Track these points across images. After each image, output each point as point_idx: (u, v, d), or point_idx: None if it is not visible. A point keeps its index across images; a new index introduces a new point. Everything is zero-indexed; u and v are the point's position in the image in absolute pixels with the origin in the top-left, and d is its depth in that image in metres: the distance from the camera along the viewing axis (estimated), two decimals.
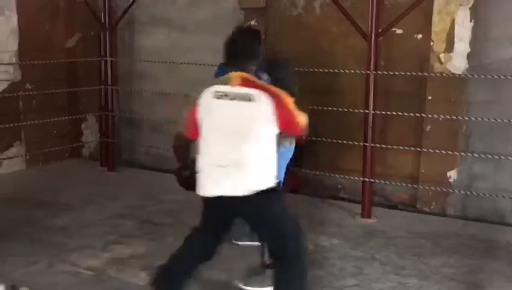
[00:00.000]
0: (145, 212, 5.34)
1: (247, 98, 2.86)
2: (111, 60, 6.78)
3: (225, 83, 2.93)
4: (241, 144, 2.89)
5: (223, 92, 2.89)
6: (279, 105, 2.89)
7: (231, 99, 2.87)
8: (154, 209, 5.45)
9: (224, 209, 3.04)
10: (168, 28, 6.99)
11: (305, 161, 5.59)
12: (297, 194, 5.80)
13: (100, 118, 7.06)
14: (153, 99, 7.13)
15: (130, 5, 6.58)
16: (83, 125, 7.61)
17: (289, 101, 2.93)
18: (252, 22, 6.33)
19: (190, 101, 3.08)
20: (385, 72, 4.94)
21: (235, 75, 2.94)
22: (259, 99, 2.86)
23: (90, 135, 7.64)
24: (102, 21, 6.68)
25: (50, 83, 6.82)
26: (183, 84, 6.84)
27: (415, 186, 5.48)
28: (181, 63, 6.49)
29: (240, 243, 4.46)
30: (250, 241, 4.43)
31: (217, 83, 2.97)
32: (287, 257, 2.96)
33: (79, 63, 7.20)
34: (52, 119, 6.76)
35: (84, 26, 7.29)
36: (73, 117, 7.24)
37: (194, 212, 5.20)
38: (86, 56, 7.04)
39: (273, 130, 2.93)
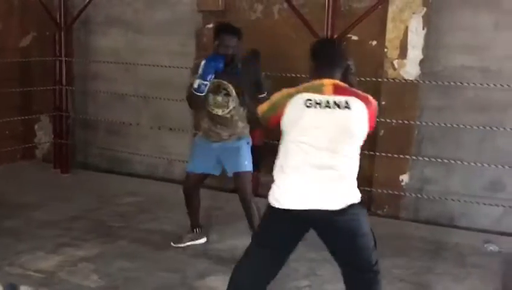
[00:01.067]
0: (98, 214, 5.26)
1: (345, 106, 2.73)
2: (66, 60, 6.66)
3: (317, 90, 2.78)
4: (337, 152, 2.74)
5: (316, 101, 2.74)
6: (371, 110, 2.82)
7: (326, 107, 2.73)
8: (108, 212, 5.37)
9: (307, 225, 2.83)
10: (125, 29, 6.91)
11: (263, 164, 5.61)
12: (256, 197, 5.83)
13: (54, 118, 6.92)
14: (109, 100, 7.05)
15: (86, 5, 6.49)
16: (36, 126, 7.45)
17: (375, 104, 2.87)
18: (210, 25, 6.36)
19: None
20: None
21: (328, 82, 2.81)
22: (356, 106, 2.75)
23: (43, 136, 7.49)
24: (58, 20, 6.56)
25: (2, 83, 6.63)
26: (140, 85, 6.81)
27: (369, 189, 5.57)
28: (137, 64, 6.45)
29: (181, 245, 4.46)
30: (192, 240, 4.47)
31: (304, 91, 2.79)
32: (372, 270, 2.82)
33: (33, 62, 7.05)
34: (4, 120, 6.58)
35: (39, 25, 7.15)
36: (27, 117, 7.08)
37: (148, 215, 5.26)
38: (41, 56, 6.89)
39: (363, 136, 2.83)
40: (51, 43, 6.70)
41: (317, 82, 2.82)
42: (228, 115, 4.07)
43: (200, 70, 3.85)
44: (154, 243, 4.60)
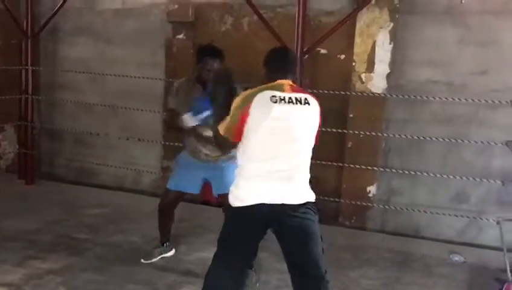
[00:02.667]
0: (63, 226, 5.15)
1: (305, 102, 2.88)
2: (32, 69, 6.56)
3: (278, 88, 2.88)
4: (298, 148, 2.89)
5: (280, 97, 2.84)
6: (320, 115, 2.97)
7: (289, 102, 2.84)
8: (74, 223, 5.27)
9: (266, 219, 2.91)
10: (94, 39, 6.86)
11: None
12: (211, 206, 5.84)
13: (19, 128, 6.79)
14: (76, 111, 6.97)
15: (54, 14, 6.41)
16: (0, 136, 7.29)
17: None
18: (181, 36, 6.37)
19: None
20: (310, 90, 5.04)
21: (285, 82, 2.94)
22: (314, 104, 2.92)
23: (8, 146, 7.32)
24: (25, 29, 6.46)
25: None
26: (108, 95, 6.75)
27: (337, 200, 5.63)
28: (106, 74, 6.40)
29: (152, 260, 4.42)
30: (161, 254, 4.43)
31: (265, 89, 2.88)
32: (320, 276, 2.88)
33: None
34: None
35: (5, 33, 7.00)
36: None
37: (115, 227, 5.20)
38: (6, 64, 6.75)
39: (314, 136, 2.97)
40: (17, 51, 6.59)
41: (275, 82, 2.94)
42: None
43: (200, 119, 3.82)
44: (123, 255, 4.54)
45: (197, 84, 3.99)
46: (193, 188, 4.19)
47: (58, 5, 6.31)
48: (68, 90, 7.01)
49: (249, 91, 2.93)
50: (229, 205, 2.97)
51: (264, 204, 2.86)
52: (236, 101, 2.92)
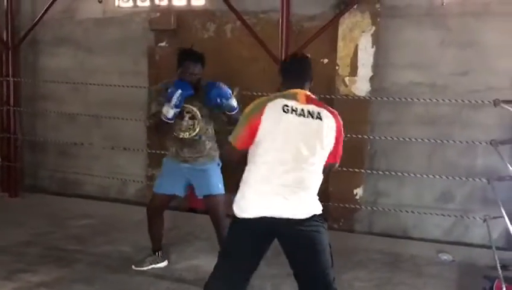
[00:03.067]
0: (52, 238, 5.10)
1: (317, 116, 2.81)
2: (14, 81, 6.48)
3: (292, 98, 2.83)
4: (307, 162, 2.79)
5: (292, 107, 2.79)
6: (339, 125, 2.89)
7: (300, 115, 2.79)
8: (62, 235, 5.22)
9: (270, 232, 2.84)
10: (74, 49, 6.81)
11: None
12: (197, 213, 5.87)
13: (1, 140, 6.69)
14: (59, 121, 6.90)
15: (34, 25, 6.36)
16: None
17: (341, 123, 2.92)
18: (163, 44, 6.36)
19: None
20: None
21: (300, 92, 2.88)
22: (328, 118, 2.83)
23: None
24: (5, 40, 6.39)
25: None
26: (91, 105, 6.70)
27: (325, 203, 5.64)
28: (88, 84, 6.34)
29: (143, 268, 4.39)
30: (153, 264, 4.40)
31: (279, 97, 2.84)
32: (328, 283, 2.84)
33: None
34: None
35: None
36: None
37: (103, 237, 5.15)
38: None
39: (330, 150, 2.89)
40: None
41: (290, 91, 2.88)
42: (196, 137, 4.04)
43: (175, 100, 3.78)
44: (113, 265, 4.50)
45: None
46: (177, 189, 4.22)
47: (38, 16, 6.27)
48: (50, 101, 6.94)
49: (262, 98, 2.89)
50: (233, 215, 2.90)
51: (268, 217, 2.78)
52: (248, 107, 2.89)
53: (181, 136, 4.03)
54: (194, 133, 4.02)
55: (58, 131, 6.89)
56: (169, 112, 3.82)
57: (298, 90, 2.88)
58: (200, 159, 4.08)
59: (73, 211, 6.01)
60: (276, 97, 2.84)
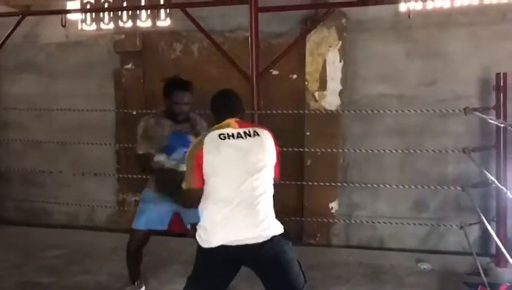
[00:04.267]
0: (24, 271, 4.90)
1: (254, 134, 2.93)
2: None
3: (225, 127, 2.95)
4: (257, 182, 2.87)
5: (228, 134, 2.90)
6: (275, 141, 3.00)
7: (238, 137, 2.90)
8: (33, 267, 5.02)
9: (235, 259, 2.89)
10: (37, 74, 6.65)
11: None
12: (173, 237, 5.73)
13: None
14: (23, 149, 6.70)
15: None
16: None
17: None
18: (129, 66, 6.27)
19: None
20: (268, 111, 5.08)
21: (231, 120, 2.99)
22: (263, 134, 2.96)
23: None
24: None
25: None
26: (56, 131, 6.54)
27: (300, 219, 5.63)
28: (52, 110, 6.17)
29: None
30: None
31: (213, 130, 2.94)
32: None
33: None
34: None
35: None
36: None
37: (78, 267, 4.99)
38: None
39: (273, 166, 2.97)
40: None
41: (222, 123, 2.99)
42: None
43: (175, 157, 3.69)
44: None
45: (166, 119, 3.87)
46: (162, 224, 4.02)
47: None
48: (13, 128, 6.75)
49: (199, 136, 2.98)
50: (198, 245, 2.95)
51: (231, 246, 2.84)
52: (190, 148, 2.97)
53: (175, 169, 3.77)
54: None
55: (23, 159, 6.67)
56: (166, 163, 3.71)
57: (228, 120, 2.99)
58: None
59: (43, 241, 5.80)
60: (211, 130, 2.96)
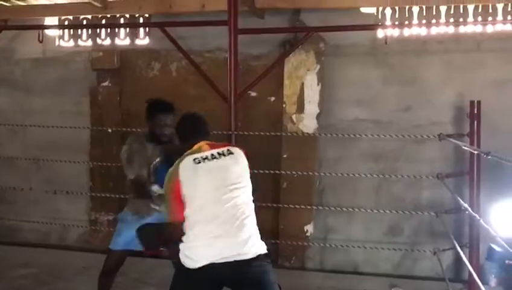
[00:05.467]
0: None
1: (228, 153, 2.95)
2: None
3: (197, 151, 2.95)
4: (239, 200, 2.86)
5: (202, 157, 2.91)
6: (247, 156, 3.02)
7: (213, 158, 2.91)
8: (1, 287, 4.90)
9: (219, 278, 2.84)
10: (12, 90, 6.57)
11: None
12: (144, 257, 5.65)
13: None
14: None
15: None
16: None
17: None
18: (106, 83, 6.23)
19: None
20: (245, 133, 5.07)
21: (201, 143, 3.00)
22: (236, 151, 2.98)
23: None
24: None
25: None
26: (29, 147, 6.43)
27: (275, 242, 5.59)
28: (26, 126, 6.07)
29: None
30: None
31: (186, 156, 2.94)
32: None
33: None
34: None
35: None
36: None
37: (47, 287, 4.87)
38: None
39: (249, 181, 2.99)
40: None
41: (193, 148, 3.00)
42: None
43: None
44: None
45: (149, 142, 3.77)
46: (139, 245, 3.97)
47: None
48: None
49: (171, 169, 2.96)
50: (179, 265, 2.88)
51: (216, 264, 2.79)
52: (165, 180, 2.97)
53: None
54: None
55: None
56: (158, 190, 3.62)
57: (199, 143, 3.01)
58: None
59: (12, 260, 5.66)
60: (183, 157, 2.95)
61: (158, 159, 3.70)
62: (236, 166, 2.93)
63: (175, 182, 2.87)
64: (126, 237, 3.87)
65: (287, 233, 5.65)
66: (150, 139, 3.80)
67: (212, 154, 2.93)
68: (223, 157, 2.93)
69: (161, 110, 3.78)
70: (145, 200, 3.79)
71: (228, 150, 2.97)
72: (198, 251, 2.82)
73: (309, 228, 5.71)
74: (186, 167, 2.90)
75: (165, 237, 3.05)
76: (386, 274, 5.47)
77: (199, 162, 2.89)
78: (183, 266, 2.85)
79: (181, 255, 2.87)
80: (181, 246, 2.89)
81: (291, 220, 5.68)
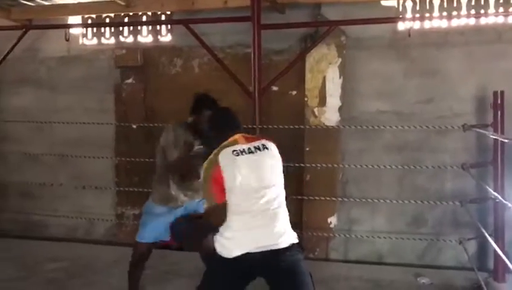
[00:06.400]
0: (25, 285, 4.90)
1: (264, 147, 2.99)
2: None
3: (233, 144, 2.99)
4: (274, 193, 2.92)
5: (240, 150, 2.95)
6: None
7: (250, 152, 2.95)
8: (34, 280, 5.01)
9: (254, 268, 2.91)
10: (38, 88, 6.69)
11: None
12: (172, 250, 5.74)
13: None
14: (21, 162, 6.70)
15: None
16: None
17: None
18: (130, 80, 6.33)
19: None
20: (270, 126, 5.14)
21: (236, 136, 3.04)
22: (272, 146, 3.03)
23: None
24: None
25: None
26: (56, 144, 6.55)
27: (299, 233, 5.66)
28: (52, 123, 6.18)
29: None
30: None
31: (224, 148, 2.98)
32: None
33: None
34: None
35: None
36: None
37: (79, 280, 4.99)
38: None
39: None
40: None
41: (228, 141, 3.03)
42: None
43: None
44: None
45: (190, 131, 3.84)
46: (165, 235, 4.06)
47: (2, 56, 6.10)
48: (11, 141, 6.77)
49: (212, 155, 3.00)
50: (215, 254, 2.93)
51: (252, 253, 2.86)
52: (204, 168, 3.02)
53: (186, 183, 3.87)
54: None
55: (21, 172, 6.68)
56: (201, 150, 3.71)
57: (235, 136, 3.05)
58: (195, 197, 3.97)
59: (41, 255, 5.79)
60: (221, 149, 2.98)
61: (200, 147, 3.77)
62: (272, 160, 3.00)
63: (215, 168, 2.93)
64: (151, 229, 3.98)
65: (311, 225, 5.72)
66: (191, 128, 3.86)
67: (249, 148, 2.97)
68: (259, 151, 2.98)
69: (207, 107, 3.81)
70: (181, 194, 3.88)
71: (263, 144, 3.02)
72: (234, 240, 2.89)
73: (333, 220, 5.78)
74: (226, 157, 2.94)
75: (202, 227, 3.09)
76: (410, 264, 5.52)
77: (238, 155, 2.94)
78: (218, 255, 2.90)
79: (216, 245, 2.92)
80: (216, 236, 2.95)
81: (315, 212, 5.75)
